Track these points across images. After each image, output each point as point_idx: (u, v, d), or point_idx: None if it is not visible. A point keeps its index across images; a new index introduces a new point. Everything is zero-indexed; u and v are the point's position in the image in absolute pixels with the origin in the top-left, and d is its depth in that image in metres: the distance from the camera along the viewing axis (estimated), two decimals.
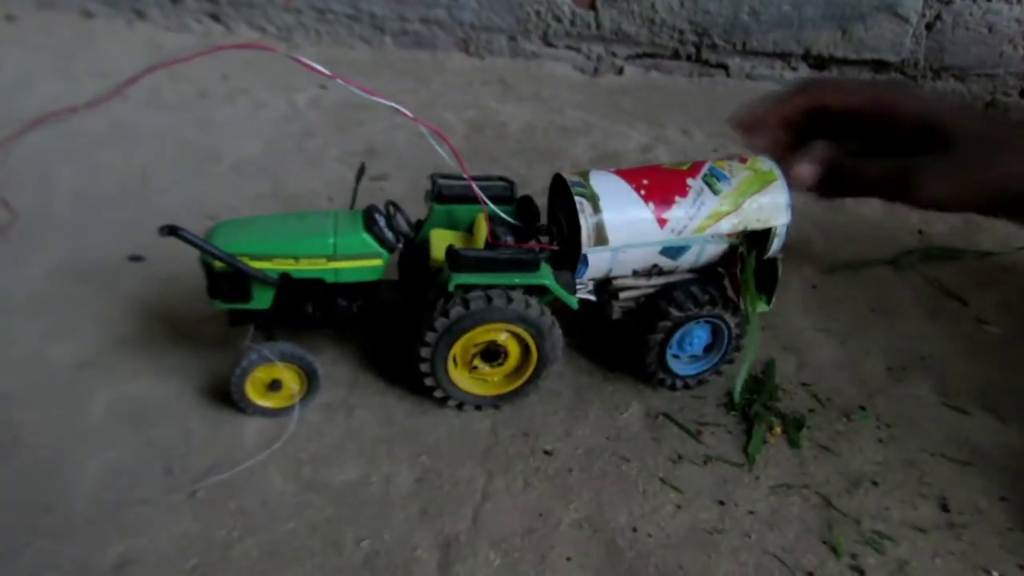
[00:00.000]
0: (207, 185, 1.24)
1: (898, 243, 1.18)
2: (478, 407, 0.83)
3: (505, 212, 0.84)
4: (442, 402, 0.82)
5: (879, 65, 1.56)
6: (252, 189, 1.24)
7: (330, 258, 0.76)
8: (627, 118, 1.52)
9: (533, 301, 0.76)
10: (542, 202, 0.87)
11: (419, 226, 0.87)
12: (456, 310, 0.74)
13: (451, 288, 0.74)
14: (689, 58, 1.64)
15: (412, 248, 0.85)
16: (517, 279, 0.75)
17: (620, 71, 1.67)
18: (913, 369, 0.93)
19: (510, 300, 0.75)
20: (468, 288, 0.75)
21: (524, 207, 0.87)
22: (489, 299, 0.74)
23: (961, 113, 0.75)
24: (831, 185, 0.78)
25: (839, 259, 1.11)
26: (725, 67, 1.64)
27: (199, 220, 1.14)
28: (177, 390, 0.84)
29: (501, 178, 0.88)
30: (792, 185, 0.78)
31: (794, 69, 1.61)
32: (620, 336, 0.87)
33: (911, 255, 1.14)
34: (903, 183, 0.72)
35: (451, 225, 0.87)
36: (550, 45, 1.67)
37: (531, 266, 0.75)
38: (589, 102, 1.58)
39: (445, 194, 0.86)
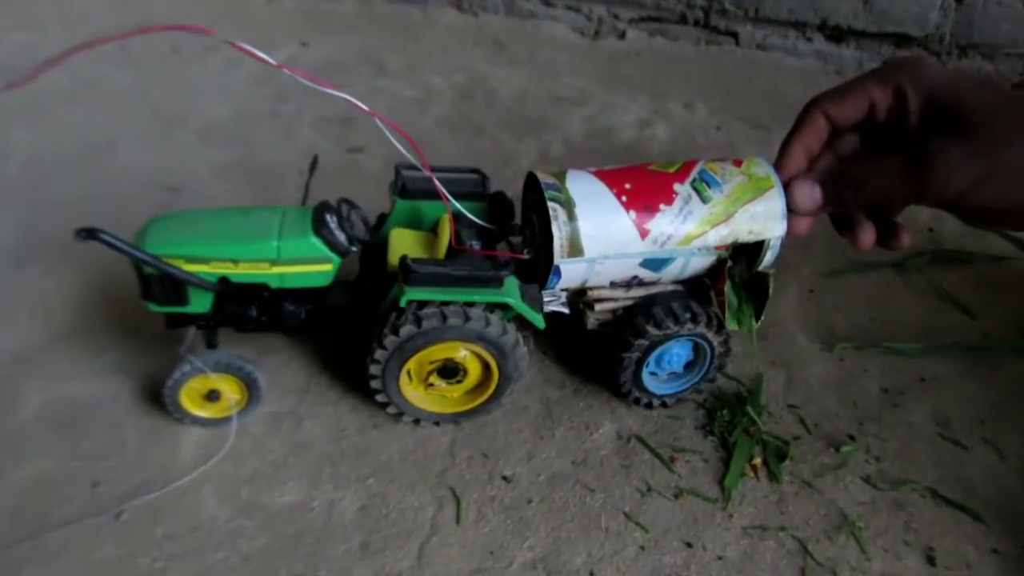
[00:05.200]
0: (171, 152, 1.17)
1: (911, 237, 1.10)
2: (436, 423, 0.77)
3: (475, 210, 0.77)
4: (397, 417, 0.76)
5: (901, 39, 1.45)
6: (219, 158, 1.17)
7: (273, 263, 0.69)
8: (626, 88, 1.43)
9: (494, 319, 0.69)
10: (519, 189, 0.80)
11: (382, 221, 0.80)
12: (407, 328, 0.67)
13: (402, 303, 0.67)
14: (697, 23, 1.54)
15: (374, 245, 0.78)
16: (476, 296, 0.68)
17: (622, 35, 1.57)
18: (911, 392, 0.86)
19: (468, 318, 0.68)
20: (423, 303, 0.68)
21: (497, 204, 0.80)
22: (444, 317, 0.67)
23: (979, 89, 0.61)
24: (837, 195, 0.68)
25: (841, 261, 1.03)
26: (735, 35, 1.54)
27: (158, 192, 1.08)
28: (114, 392, 0.78)
29: (473, 170, 0.81)
30: (797, 212, 0.70)
31: (809, 40, 1.51)
32: (595, 346, 0.81)
33: (919, 258, 1.06)
34: (918, 173, 0.59)
35: (415, 223, 0.79)
36: (548, 4, 1.56)
37: (492, 282, 0.68)
38: (587, 68, 1.48)
39: (409, 188, 0.78)
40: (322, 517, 0.68)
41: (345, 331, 0.80)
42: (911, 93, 0.64)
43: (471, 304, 0.69)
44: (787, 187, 0.70)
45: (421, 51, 1.49)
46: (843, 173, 0.67)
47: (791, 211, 0.71)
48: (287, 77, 0.64)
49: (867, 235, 0.71)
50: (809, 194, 0.67)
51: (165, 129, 1.21)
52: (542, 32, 1.57)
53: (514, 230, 0.80)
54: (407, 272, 0.66)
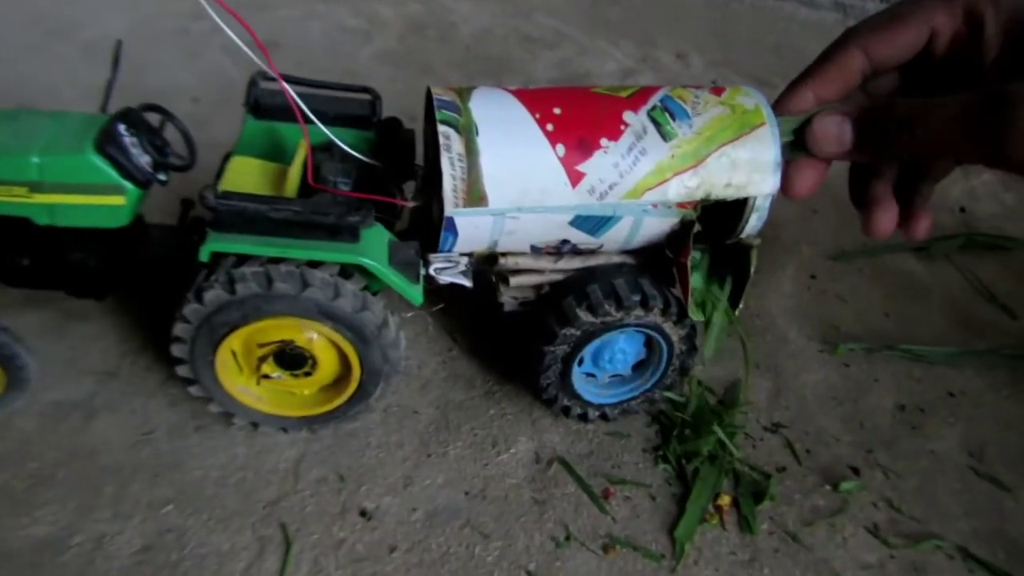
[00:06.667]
0: (44, 66, 0.99)
1: (933, 223, 0.89)
2: (284, 429, 0.56)
3: (356, 139, 0.56)
4: (227, 418, 0.55)
5: None
6: (100, 77, 0.95)
7: (34, 187, 0.48)
8: (610, 32, 1.24)
9: (348, 288, 0.48)
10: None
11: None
12: (214, 293, 0.46)
13: (203, 256, 0.46)
14: None
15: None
16: (318, 252, 0.46)
17: None
18: (935, 411, 0.67)
19: (306, 284, 0.46)
20: (242, 259, 0.47)
21: (389, 135, 0.58)
22: (269, 280, 0.46)
23: None
24: (873, 139, 0.47)
25: (851, 240, 0.83)
26: None
27: None
28: None
29: (364, 88, 0.60)
30: (816, 154, 0.48)
31: None
32: (515, 333, 0.60)
33: (948, 241, 0.88)
34: (990, 120, 0.40)
35: (272, 152, 0.58)
36: None
37: (341, 232, 0.46)
38: (566, 7, 1.31)
39: (265, 105, 0.57)
40: (79, 561, 0.48)
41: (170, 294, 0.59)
42: (989, 14, 0.44)
43: (315, 264, 0.47)
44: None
45: None
46: (885, 110, 0.45)
47: (807, 153, 0.49)
48: None
49: (887, 217, 0.49)
50: (836, 131, 0.46)
51: (43, 37, 1.03)
52: None
53: (413, 171, 0.58)
54: (208, 209, 0.45)
